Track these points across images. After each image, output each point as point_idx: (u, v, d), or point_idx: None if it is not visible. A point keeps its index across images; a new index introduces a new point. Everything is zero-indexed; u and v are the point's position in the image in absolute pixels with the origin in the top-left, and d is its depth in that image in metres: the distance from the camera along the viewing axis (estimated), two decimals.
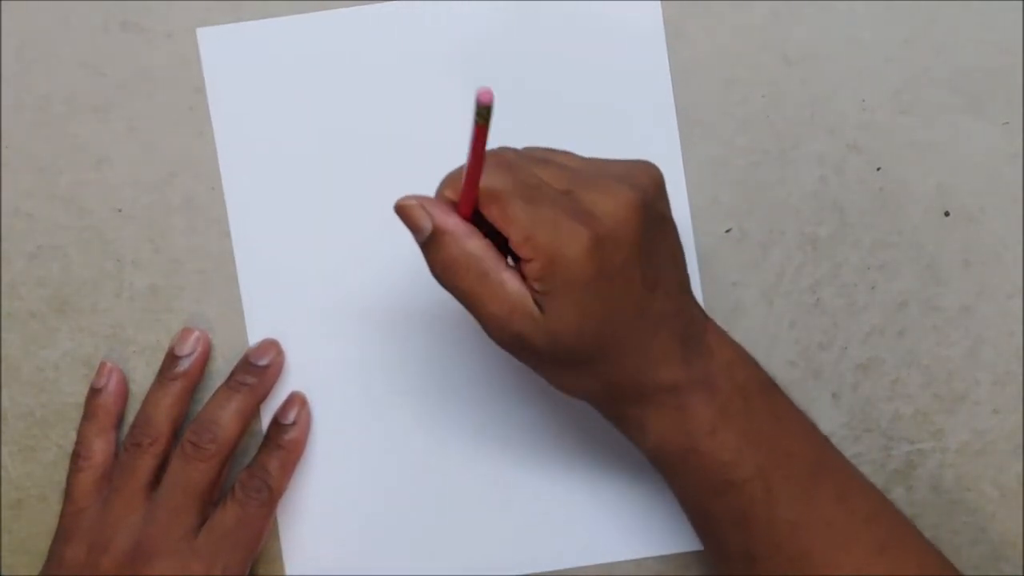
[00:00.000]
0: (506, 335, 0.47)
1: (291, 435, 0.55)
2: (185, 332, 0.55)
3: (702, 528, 0.50)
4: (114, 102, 0.56)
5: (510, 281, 0.46)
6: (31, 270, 0.56)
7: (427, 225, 0.47)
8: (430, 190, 0.55)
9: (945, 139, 0.56)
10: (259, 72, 0.56)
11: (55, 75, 0.56)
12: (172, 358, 0.55)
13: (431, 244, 0.47)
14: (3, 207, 0.56)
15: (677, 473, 0.49)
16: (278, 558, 0.56)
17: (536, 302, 0.46)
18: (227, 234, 0.56)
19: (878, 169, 0.56)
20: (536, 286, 0.46)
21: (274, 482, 0.54)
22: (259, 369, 0.55)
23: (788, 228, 0.56)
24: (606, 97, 0.56)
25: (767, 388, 0.50)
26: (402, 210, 0.48)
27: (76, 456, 0.54)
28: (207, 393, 0.55)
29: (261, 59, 0.56)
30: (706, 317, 0.50)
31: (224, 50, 0.56)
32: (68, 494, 0.54)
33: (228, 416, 0.54)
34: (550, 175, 0.47)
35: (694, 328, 0.48)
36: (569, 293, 0.46)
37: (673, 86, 0.56)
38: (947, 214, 0.56)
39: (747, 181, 0.56)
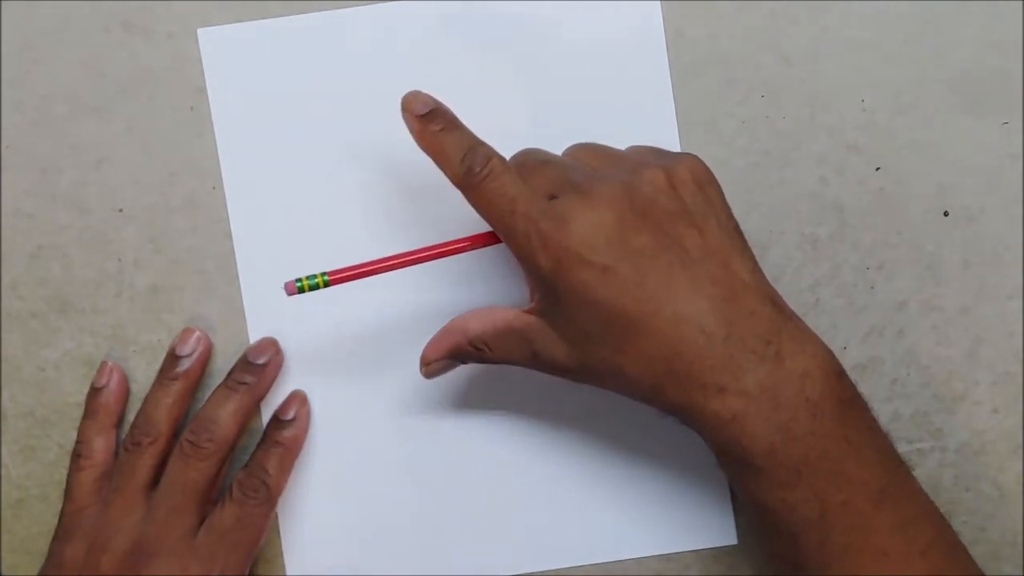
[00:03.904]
0: (537, 363, 0.50)
1: (289, 432, 0.55)
2: (186, 332, 0.55)
3: (760, 532, 0.49)
4: (115, 102, 0.56)
5: (514, 318, 0.50)
6: (32, 270, 0.56)
7: None
8: (429, 189, 0.56)
9: (945, 139, 0.56)
10: (260, 72, 0.56)
11: (56, 75, 0.56)
12: (173, 358, 0.55)
13: None
14: (3, 207, 0.56)
15: (735, 481, 0.48)
16: (278, 558, 0.56)
17: (541, 312, 0.49)
18: (228, 234, 0.56)
19: (878, 169, 0.56)
20: (532, 295, 0.50)
21: (272, 481, 0.54)
22: (257, 368, 0.55)
23: (788, 228, 0.56)
24: (606, 97, 0.56)
25: (846, 407, 0.47)
26: None
27: (76, 455, 0.54)
28: (208, 393, 0.55)
29: (262, 59, 0.56)
30: (784, 319, 0.47)
31: (225, 50, 0.56)
32: (68, 493, 0.54)
33: (226, 415, 0.54)
34: (539, 180, 0.48)
35: (754, 327, 0.46)
36: (558, 298, 0.47)
37: (673, 86, 0.56)
38: (946, 214, 0.56)
39: (747, 181, 0.56)
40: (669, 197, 0.48)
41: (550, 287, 0.48)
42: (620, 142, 0.53)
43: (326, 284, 0.50)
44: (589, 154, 0.51)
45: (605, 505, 0.56)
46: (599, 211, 0.47)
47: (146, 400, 0.55)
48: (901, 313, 0.56)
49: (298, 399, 0.56)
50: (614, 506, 0.56)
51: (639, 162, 0.49)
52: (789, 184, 0.56)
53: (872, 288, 0.56)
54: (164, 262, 0.56)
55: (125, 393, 0.56)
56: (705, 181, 0.49)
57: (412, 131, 0.50)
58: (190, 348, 0.55)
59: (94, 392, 0.55)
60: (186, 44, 0.56)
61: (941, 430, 0.56)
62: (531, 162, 0.50)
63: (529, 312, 0.49)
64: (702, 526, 0.56)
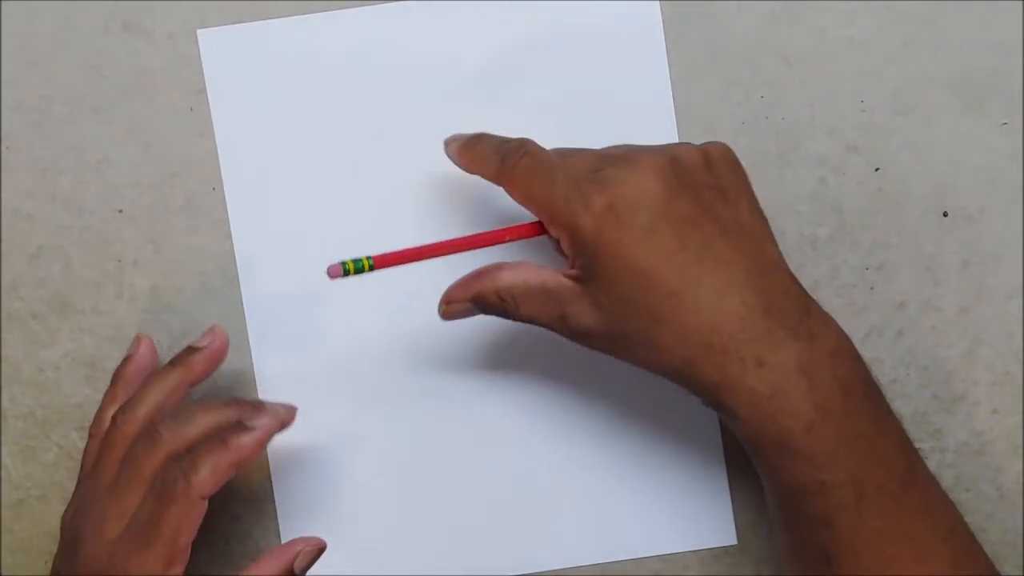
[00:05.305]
0: (564, 327, 0.49)
1: (244, 438, 0.48)
2: (209, 330, 0.53)
3: (785, 521, 0.48)
4: (115, 103, 0.56)
5: (549, 278, 0.48)
6: (32, 271, 0.56)
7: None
8: (429, 190, 0.56)
9: (944, 139, 0.56)
10: (260, 73, 0.56)
11: (56, 76, 0.56)
12: (188, 349, 0.53)
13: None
14: (3, 207, 0.56)
15: (768, 465, 0.47)
16: None
17: (579, 279, 0.48)
18: (228, 235, 0.56)
19: (877, 170, 0.56)
20: (573, 263, 0.48)
21: (197, 480, 0.47)
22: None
23: (788, 228, 0.56)
24: (606, 97, 0.56)
25: (869, 387, 0.47)
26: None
27: (94, 424, 0.52)
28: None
29: (261, 60, 0.56)
30: (810, 301, 0.48)
31: (225, 51, 0.56)
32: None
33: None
34: (578, 159, 0.49)
35: (788, 304, 0.47)
36: (598, 262, 0.47)
37: (673, 86, 0.56)
38: (945, 215, 0.56)
39: None
40: (707, 172, 0.48)
41: (591, 251, 0.47)
42: (620, 142, 0.53)
43: (371, 268, 0.49)
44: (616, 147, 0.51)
45: (605, 505, 0.56)
46: (645, 176, 0.47)
47: (145, 381, 0.52)
48: (901, 313, 0.56)
49: (272, 412, 0.50)
50: (614, 506, 0.56)
51: (671, 144, 0.50)
52: (789, 184, 0.56)
53: (872, 288, 0.56)
54: (164, 262, 0.56)
55: (150, 367, 0.53)
56: (736, 164, 0.50)
57: (455, 159, 0.51)
58: (204, 342, 0.52)
59: (123, 362, 0.53)
60: (186, 44, 0.56)
61: (941, 430, 0.56)
62: (565, 150, 0.50)
63: (567, 276, 0.48)
64: (702, 526, 0.56)
